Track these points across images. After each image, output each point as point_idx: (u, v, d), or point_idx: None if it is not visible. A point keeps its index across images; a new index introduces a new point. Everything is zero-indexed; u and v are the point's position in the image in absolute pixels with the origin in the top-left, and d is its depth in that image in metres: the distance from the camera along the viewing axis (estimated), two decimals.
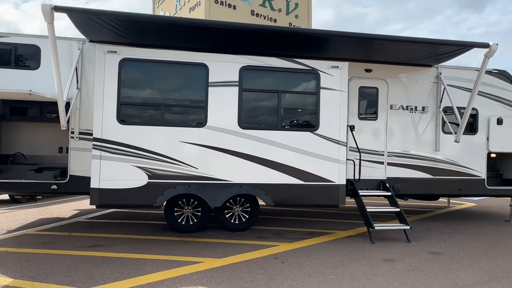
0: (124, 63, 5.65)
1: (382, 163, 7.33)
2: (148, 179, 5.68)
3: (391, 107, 7.42)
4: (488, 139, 7.73)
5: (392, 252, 5.68)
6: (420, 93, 7.54)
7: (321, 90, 6.13)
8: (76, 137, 6.36)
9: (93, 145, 5.57)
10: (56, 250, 5.52)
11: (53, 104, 6.75)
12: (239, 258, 5.25)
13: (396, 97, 7.44)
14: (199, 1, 12.46)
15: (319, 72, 6.13)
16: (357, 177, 6.76)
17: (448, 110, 7.57)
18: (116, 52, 5.61)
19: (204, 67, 5.85)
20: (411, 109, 7.51)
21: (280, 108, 6.05)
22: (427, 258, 5.44)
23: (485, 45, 6.15)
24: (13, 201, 10.54)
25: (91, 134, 6.32)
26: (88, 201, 9.88)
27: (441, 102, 7.56)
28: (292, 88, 6.16)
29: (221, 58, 5.89)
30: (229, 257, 5.32)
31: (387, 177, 7.30)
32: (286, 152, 6.02)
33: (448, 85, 7.43)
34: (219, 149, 5.86)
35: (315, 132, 6.12)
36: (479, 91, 7.64)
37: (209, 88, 5.85)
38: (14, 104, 6.69)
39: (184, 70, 5.87)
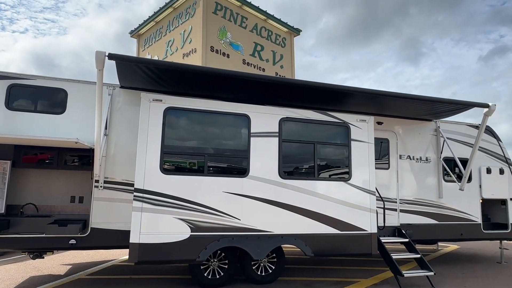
0: (169, 112, 5.58)
1: (395, 210, 7.72)
2: (191, 231, 5.43)
3: (400, 157, 7.99)
4: (480, 187, 8.54)
5: None
6: (423, 144, 8.25)
7: (352, 142, 6.49)
8: (101, 186, 5.96)
9: (134, 196, 5.27)
10: None
11: (71, 150, 6.37)
12: None
13: (403, 148, 8.05)
14: (195, 49, 12.75)
15: (349, 125, 6.52)
16: (381, 224, 7.03)
17: (447, 160, 8.31)
18: (161, 100, 5.54)
19: (246, 118, 5.96)
20: (417, 159, 8.14)
21: (316, 158, 6.26)
22: None
23: (485, 105, 7.02)
24: None
25: (116, 183, 6.03)
26: (72, 253, 9.09)
27: (441, 153, 8.30)
28: (326, 139, 6.45)
29: (262, 109, 6.06)
30: None
31: (400, 224, 7.67)
32: (323, 202, 6.15)
33: (447, 137, 8.24)
34: (261, 199, 5.83)
35: (349, 182, 6.37)
36: (468, 144, 8.57)
37: (251, 138, 5.93)
38: (28, 149, 6.16)
39: (227, 120, 5.92)
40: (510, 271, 8.07)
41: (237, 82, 5.87)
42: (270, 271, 6.57)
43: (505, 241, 9.12)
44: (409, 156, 8.10)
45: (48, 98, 6.02)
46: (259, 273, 6.52)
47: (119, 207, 6.00)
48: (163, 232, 5.30)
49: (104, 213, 5.93)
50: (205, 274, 6.23)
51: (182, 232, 5.38)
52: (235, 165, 5.90)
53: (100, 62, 4.77)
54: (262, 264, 6.55)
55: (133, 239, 5.15)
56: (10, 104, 5.83)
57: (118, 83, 6.22)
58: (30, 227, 5.63)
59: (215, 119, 5.86)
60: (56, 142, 4.98)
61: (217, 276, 6.28)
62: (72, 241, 5.75)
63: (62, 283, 6.56)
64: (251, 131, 5.96)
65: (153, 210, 5.30)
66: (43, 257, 6.12)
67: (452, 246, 11.44)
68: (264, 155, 5.95)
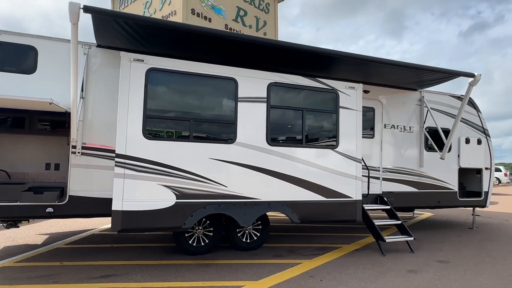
0: (151, 74, 5.22)
1: (378, 178, 7.82)
2: (176, 199, 5.26)
3: (385, 126, 8.01)
4: (459, 156, 8.76)
5: (408, 263, 6.05)
6: (407, 114, 8.28)
7: (340, 109, 6.38)
8: (78, 152, 5.63)
9: (116, 162, 4.99)
10: (63, 285, 4.77)
11: (44, 114, 5.94)
12: (276, 279, 5.12)
13: (388, 117, 8.06)
14: (175, 11, 12.06)
15: (338, 92, 6.38)
16: (365, 192, 7.11)
17: (429, 130, 8.41)
18: (143, 61, 5.16)
19: (233, 82, 5.69)
20: (400, 128, 8.19)
21: (304, 125, 6.13)
22: (441, 267, 5.91)
23: (470, 75, 7.05)
24: None
25: (94, 149, 5.72)
26: (49, 222, 8.77)
27: (424, 123, 8.38)
28: (315, 106, 6.30)
29: (250, 73, 5.79)
30: (265, 278, 5.16)
31: (382, 192, 7.81)
32: (310, 169, 6.09)
33: (430, 108, 8.30)
34: (248, 166, 5.69)
35: (336, 149, 6.32)
36: (450, 114, 8.69)
37: (239, 104, 5.69)
38: None
39: (214, 84, 5.63)
40: (482, 236, 8.48)
41: (223, 43, 5.54)
42: (255, 238, 6.58)
43: (478, 208, 9.54)
44: (393, 125, 8.13)
45: (16, 56, 5.49)
46: (244, 240, 6.52)
47: (98, 174, 5.72)
48: (147, 199, 5.10)
49: (82, 180, 5.64)
50: (190, 242, 6.16)
51: (167, 199, 5.20)
52: (222, 131, 5.69)
53: (74, 15, 4.31)
54: (247, 231, 6.54)
55: (116, 206, 4.93)
56: None
57: (94, 41, 5.74)
58: (3, 195, 5.28)
59: (201, 83, 5.55)
60: (28, 102, 4.57)
61: (202, 244, 6.23)
62: (49, 209, 5.47)
63: (40, 253, 6.33)
64: (238, 96, 5.71)
65: (136, 177, 5.06)
66: (18, 226, 5.83)
67: (426, 214, 11.92)
68: (251, 121, 5.76)
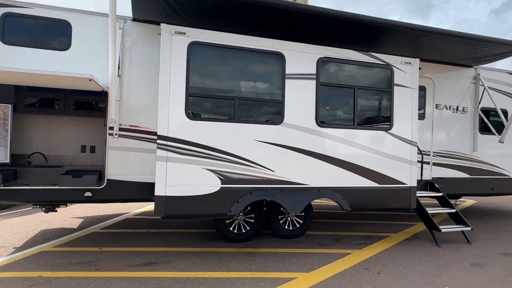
0: (193, 48, 4.78)
1: (428, 163, 7.23)
2: (221, 184, 4.89)
3: (436, 106, 7.35)
4: None
5: (468, 256, 5.53)
6: (461, 93, 7.57)
7: (395, 87, 5.79)
8: (116, 134, 5.32)
9: (158, 144, 4.64)
10: (106, 272, 4.53)
11: (79, 94, 5.64)
12: (329, 271, 4.73)
13: (440, 97, 7.38)
14: None
15: (393, 67, 5.78)
16: (419, 178, 6.56)
17: (484, 110, 7.69)
18: (185, 33, 4.72)
19: (280, 57, 5.19)
20: (453, 109, 7.51)
21: (356, 105, 5.59)
22: (508, 261, 5.37)
23: None
24: None
25: (132, 131, 5.40)
26: (82, 206, 8.66)
27: (479, 102, 7.66)
28: (368, 84, 5.73)
29: (299, 47, 5.27)
30: (317, 270, 4.78)
31: (432, 177, 7.22)
32: (362, 153, 5.59)
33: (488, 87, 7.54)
34: (296, 149, 5.24)
35: (389, 131, 5.77)
36: (508, 94, 7.91)
37: (286, 81, 5.21)
38: (30, 92, 5.41)
39: (260, 60, 5.15)
40: None
41: (270, 13, 5.01)
42: (298, 225, 6.20)
43: None
44: (445, 106, 7.45)
45: (49, 32, 5.15)
46: (286, 227, 6.15)
47: (136, 157, 5.43)
48: (191, 184, 4.76)
49: (120, 163, 5.35)
50: (231, 229, 5.83)
51: (211, 184, 4.84)
52: (268, 111, 5.23)
53: None
54: (289, 218, 6.15)
55: (159, 191, 4.61)
56: (5, 37, 4.98)
57: (130, 15, 5.34)
58: (40, 178, 5.06)
59: (246, 58, 5.08)
60: (67, 79, 4.23)
61: (243, 231, 5.90)
62: (88, 194, 5.23)
63: (77, 237, 6.16)
64: (286, 72, 5.21)
65: (179, 160, 4.70)
66: (56, 210, 5.62)
67: (469, 201, 11.22)
68: (299, 100, 5.27)
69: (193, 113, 4.83)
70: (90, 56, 5.27)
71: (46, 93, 5.46)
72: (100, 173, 5.39)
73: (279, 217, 6.09)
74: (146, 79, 5.39)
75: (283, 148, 5.18)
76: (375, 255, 5.45)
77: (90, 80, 4.13)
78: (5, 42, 4.98)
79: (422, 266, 5.03)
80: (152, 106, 5.30)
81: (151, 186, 5.50)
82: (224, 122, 4.96)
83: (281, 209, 5.87)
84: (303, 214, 6.18)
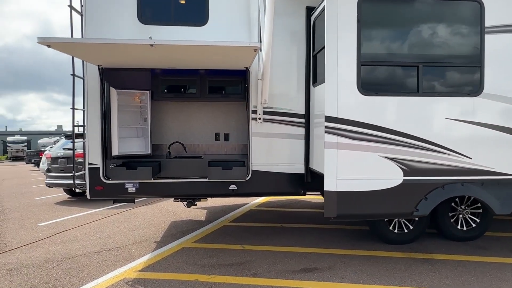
0: (364, 5, 3.73)
1: None
2: (404, 175, 3.84)
3: None
4: None
5: None
6: None
7: None
8: (259, 119, 4.58)
9: (326, 128, 3.75)
10: (265, 279, 3.83)
11: (216, 75, 5.01)
12: None
13: None
14: None
15: None
16: None
17: None
18: None
19: (477, 5, 3.87)
20: None
21: None
22: None
23: None
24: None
25: (278, 114, 4.60)
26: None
27: None
28: None
29: None
30: None
31: None
32: None
33: None
34: (501, 128, 3.92)
35: None
36: None
37: (486, 37, 3.88)
38: (165, 76, 4.94)
39: (449, 11, 3.90)
40: None
41: None
42: (474, 225, 4.86)
43: None
44: None
45: (186, 7, 4.58)
46: (459, 227, 4.87)
47: (283, 144, 4.67)
48: (367, 177, 3.80)
49: (265, 152, 4.65)
50: (390, 227, 4.77)
51: (392, 176, 3.82)
52: (462, 78, 3.97)
53: None
54: (461, 216, 4.86)
55: (329, 185, 3.74)
56: (143, 16, 4.51)
57: None
58: (184, 170, 4.58)
59: (430, 11, 3.87)
60: (230, 49, 3.50)
61: (405, 230, 4.79)
62: (233, 187, 4.62)
63: (210, 231, 5.71)
64: (485, 24, 3.88)
65: (352, 147, 3.76)
66: (196, 204, 5.18)
67: None
68: (506, 61, 3.90)
69: (366, 87, 3.81)
70: (228, 30, 4.60)
71: (182, 77, 4.94)
72: (243, 163, 4.75)
73: (450, 214, 4.84)
74: (293, 51, 4.56)
75: (483, 128, 3.90)
76: None
77: (255, 50, 3.36)
78: (142, 21, 4.52)
79: None
80: (297, 85, 4.56)
81: (299, 178, 4.74)
82: (405, 96, 3.85)
83: (452, 204, 4.65)
84: (479, 210, 4.84)
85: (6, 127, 50.10)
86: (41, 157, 13.99)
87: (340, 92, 3.73)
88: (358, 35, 3.73)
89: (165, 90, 4.95)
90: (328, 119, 3.75)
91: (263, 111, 4.60)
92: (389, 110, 3.81)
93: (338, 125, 3.74)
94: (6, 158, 33.80)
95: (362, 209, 3.81)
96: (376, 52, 3.84)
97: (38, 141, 26.85)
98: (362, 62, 3.76)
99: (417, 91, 3.84)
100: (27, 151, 24.54)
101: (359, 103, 3.76)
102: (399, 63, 3.87)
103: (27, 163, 22.47)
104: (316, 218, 6.33)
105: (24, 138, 33.98)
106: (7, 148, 33.26)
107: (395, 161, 3.81)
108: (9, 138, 33.81)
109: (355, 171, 3.78)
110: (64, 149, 8.62)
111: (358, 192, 3.79)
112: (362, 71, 3.76)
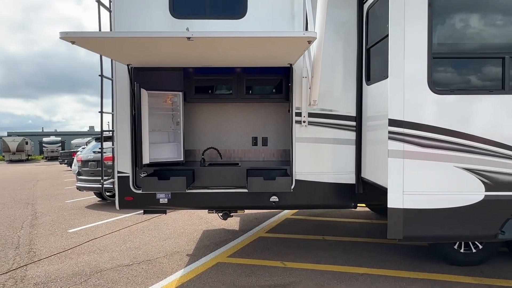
0: None
1: None
2: (486, 190, 3.18)
3: None
4: None
5: None
6: None
7: None
8: (304, 122, 4.04)
9: (390, 133, 3.16)
10: None
11: (254, 74, 4.52)
12: None
13: None
14: None
15: None
16: None
17: None
18: None
19: None
20: None
21: None
22: None
23: None
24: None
25: (326, 116, 4.05)
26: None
27: None
28: None
29: None
30: None
31: None
32: None
33: None
34: None
35: None
36: None
37: None
38: (198, 76, 4.50)
39: None
40: None
41: None
42: None
43: None
44: None
45: None
46: None
47: (330, 151, 4.12)
48: (440, 191, 3.18)
49: (310, 160, 4.11)
50: (455, 246, 4.10)
51: (471, 191, 3.18)
52: None
53: None
54: None
55: (393, 202, 3.15)
56: (175, 10, 4.09)
57: None
58: (220, 179, 4.13)
59: None
60: (281, 41, 2.99)
61: (473, 250, 4.09)
62: (274, 198, 4.12)
63: (245, 243, 5.23)
64: None
65: (420, 155, 3.16)
66: (232, 216, 4.71)
67: None
68: None
69: (440, 84, 3.19)
70: (268, 23, 4.10)
71: (217, 76, 4.49)
72: (285, 171, 4.24)
73: None
74: (341, 45, 3.99)
75: None
76: None
77: (309, 42, 2.83)
78: (175, 16, 4.09)
79: None
80: (347, 83, 4.02)
81: (350, 188, 4.17)
82: (488, 94, 3.19)
83: None
84: None
85: (42, 128, 52.30)
86: (73, 158, 14.12)
87: (406, 91, 3.13)
88: (429, 21, 3.11)
89: (199, 91, 4.51)
90: (393, 122, 3.16)
91: (308, 113, 4.06)
92: (467, 111, 3.17)
93: (405, 130, 3.14)
94: (42, 158, 35.11)
95: (433, 230, 3.20)
96: (451, 42, 3.21)
97: (72, 141, 27.55)
98: (435, 54, 3.13)
99: (502, 88, 3.17)
100: (61, 151, 25.16)
101: (430, 103, 3.15)
102: (479, 54, 3.21)
103: (60, 163, 22.99)
104: (362, 231, 5.72)
105: (59, 138, 35.17)
106: (43, 148, 34.50)
107: (474, 172, 3.16)
108: (45, 139, 35.10)
109: (426, 184, 3.16)
110: (94, 152, 8.45)
111: (429, 209, 3.17)
112: (434, 65, 3.14)
